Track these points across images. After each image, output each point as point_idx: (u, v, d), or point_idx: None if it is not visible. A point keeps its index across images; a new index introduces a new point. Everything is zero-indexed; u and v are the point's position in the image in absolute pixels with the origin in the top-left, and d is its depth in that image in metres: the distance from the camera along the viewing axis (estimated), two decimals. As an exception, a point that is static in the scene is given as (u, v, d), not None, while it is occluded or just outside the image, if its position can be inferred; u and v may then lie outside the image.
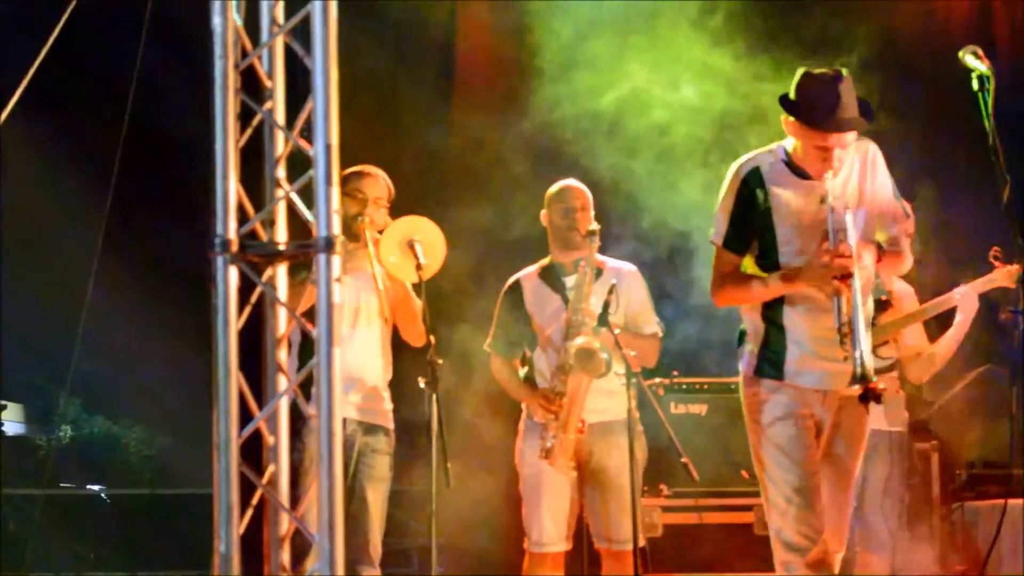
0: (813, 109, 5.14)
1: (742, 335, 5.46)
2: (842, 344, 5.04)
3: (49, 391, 9.99)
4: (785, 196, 5.24)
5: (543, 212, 6.69)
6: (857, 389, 4.99)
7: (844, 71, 5.16)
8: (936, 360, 6.82)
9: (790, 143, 5.28)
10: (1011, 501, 5.15)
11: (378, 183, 6.39)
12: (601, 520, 6.53)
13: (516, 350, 6.72)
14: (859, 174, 5.27)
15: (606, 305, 6.31)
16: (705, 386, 8.15)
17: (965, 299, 6.68)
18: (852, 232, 5.09)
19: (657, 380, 7.97)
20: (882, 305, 6.73)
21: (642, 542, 6.49)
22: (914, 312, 6.67)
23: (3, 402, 9.09)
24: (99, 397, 10.17)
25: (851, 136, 5.18)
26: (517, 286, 6.76)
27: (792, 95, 5.22)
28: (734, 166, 5.35)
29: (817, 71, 5.18)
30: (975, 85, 4.99)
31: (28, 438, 9.66)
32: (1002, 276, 6.77)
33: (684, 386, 8.12)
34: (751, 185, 5.28)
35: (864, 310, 5.11)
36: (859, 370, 4.96)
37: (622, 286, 6.58)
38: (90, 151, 8.46)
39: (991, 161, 4.90)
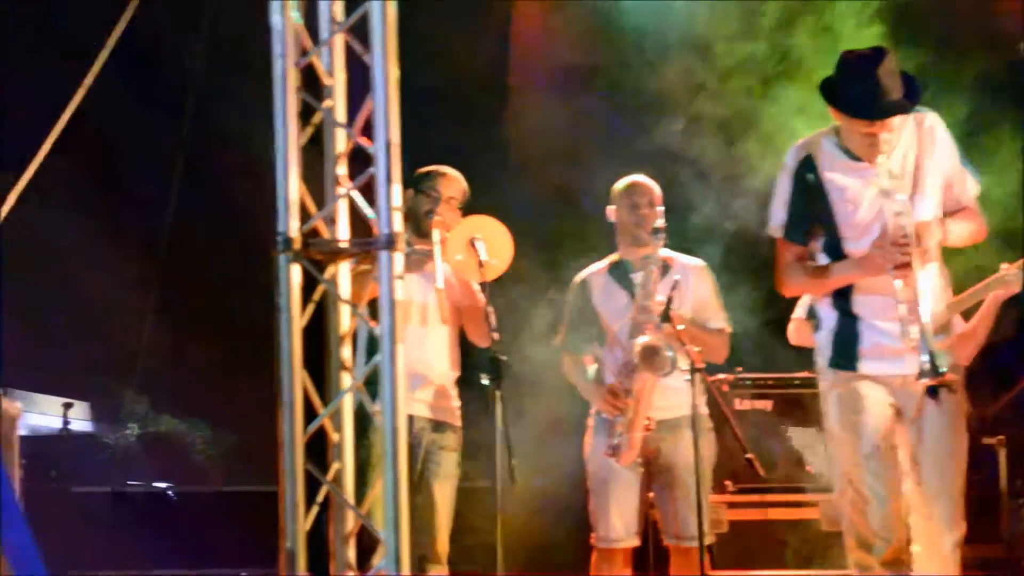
0: (852, 95, 5.05)
1: (816, 324, 5.39)
2: (905, 333, 4.96)
3: (117, 390, 10.07)
4: (840, 181, 5.17)
5: (610, 208, 6.67)
6: (926, 383, 4.91)
7: (885, 49, 5.06)
8: (979, 335, 6.73)
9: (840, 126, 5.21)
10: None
11: (453, 183, 6.41)
12: (669, 517, 6.51)
13: (586, 347, 6.70)
14: (917, 148, 5.16)
15: (668, 301, 6.28)
16: (770, 381, 8.11)
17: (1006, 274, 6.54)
18: (911, 215, 5.00)
19: (721, 376, 7.93)
20: None
21: (711, 539, 6.47)
22: (959, 299, 6.57)
23: (71, 400, 9.17)
24: (166, 395, 10.22)
25: (896, 119, 5.08)
26: (585, 283, 6.74)
27: (835, 80, 5.13)
28: (788, 154, 5.29)
29: (856, 52, 5.09)
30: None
31: (96, 436, 9.73)
32: None
33: (749, 381, 8.08)
34: (805, 172, 5.21)
35: (933, 294, 5.04)
36: (926, 364, 4.89)
37: (688, 281, 6.55)
38: (152, 151, 8.54)
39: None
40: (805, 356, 6.98)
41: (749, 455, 6.20)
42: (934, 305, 5.10)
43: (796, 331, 6.76)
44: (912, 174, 5.12)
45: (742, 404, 8.01)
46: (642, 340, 6.31)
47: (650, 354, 6.28)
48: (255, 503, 8.48)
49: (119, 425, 9.89)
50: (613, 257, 6.72)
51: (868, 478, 5.15)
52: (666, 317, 6.26)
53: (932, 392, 4.92)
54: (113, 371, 9.88)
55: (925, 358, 4.89)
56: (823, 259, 5.29)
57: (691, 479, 6.31)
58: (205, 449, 10.21)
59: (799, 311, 6.73)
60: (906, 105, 5.06)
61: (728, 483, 7.78)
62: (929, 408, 5.11)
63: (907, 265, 4.95)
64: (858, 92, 5.03)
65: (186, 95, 5.47)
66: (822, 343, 5.32)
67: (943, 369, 4.90)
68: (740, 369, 8.07)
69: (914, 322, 4.93)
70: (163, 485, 9.22)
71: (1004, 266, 6.50)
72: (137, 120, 9.27)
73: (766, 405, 8.05)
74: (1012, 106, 5.32)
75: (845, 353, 5.23)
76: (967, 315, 6.77)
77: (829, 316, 5.28)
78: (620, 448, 6.40)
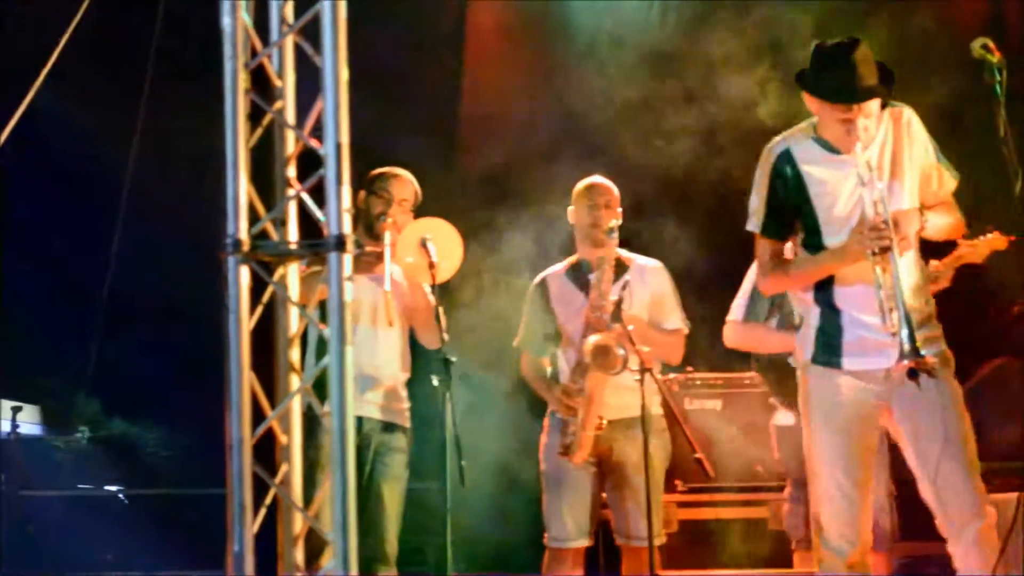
0: (828, 82, 5.07)
1: (798, 323, 5.39)
2: (885, 320, 4.94)
3: (67, 393, 10.01)
4: (819, 174, 5.16)
5: (570, 209, 6.69)
6: (906, 364, 4.87)
7: (859, 39, 5.10)
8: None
9: (817, 119, 5.22)
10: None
11: (405, 185, 6.42)
12: (621, 516, 6.53)
13: (544, 348, 6.71)
14: (894, 141, 5.16)
15: (619, 301, 6.31)
16: (720, 381, 8.14)
17: (941, 278, 6.58)
18: (888, 203, 5.00)
19: (672, 375, 7.96)
20: None
21: (663, 540, 6.49)
22: None
23: (20, 404, 9.12)
24: (117, 398, 10.17)
25: (873, 105, 5.08)
26: (544, 284, 6.76)
27: (809, 69, 5.15)
28: (765, 150, 5.28)
29: (830, 42, 5.11)
30: (987, 77, 4.95)
31: (46, 439, 9.68)
32: (969, 252, 6.68)
33: (699, 381, 8.12)
34: (783, 167, 5.20)
35: (912, 282, 5.05)
36: (906, 345, 4.86)
37: (645, 281, 6.58)
38: (102, 154, 8.50)
39: (1002, 152, 4.87)
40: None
41: (699, 455, 6.23)
42: (916, 296, 5.10)
43: (732, 333, 6.76)
44: (889, 166, 5.13)
45: (692, 404, 8.03)
46: (593, 339, 6.33)
47: (601, 353, 6.30)
48: (206, 505, 8.45)
49: (69, 428, 9.83)
50: (572, 259, 6.75)
51: (841, 477, 5.14)
52: (617, 317, 6.29)
53: (912, 374, 4.86)
54: (63, 374, 9.83)
55: (905, 339, 4.87)
56: (803, 254, 5.29)
57: (641, 478, 6.33)
58: (156, 451, 10.17)
59: (734, 313, 6.74)
60: (881, 90, 5.08)
61: (678, 483, 7.81)
62: (921, 398, 5.05)
63: (886, 250, 4.93)
64: (834, 78, 5.05)
65: (140, 93, 5.47)
66: (804, 339, 5.29)
67: (923, 352, 4.88)
68: (691, 369, 8.10)
69: (893, 308, 4.92)
70: (114, 488, 9.18)
71: (933, 263, 6.52)
72: (89, 119, 9.24)
73: (716, 404, 8.08)
74: (973, 104, 5.35)
75: (828, 348, 5.21)
76: None
77: (811, 312, 5.27)
78: (572, 447, 6.41)
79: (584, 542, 6.56)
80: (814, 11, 9.00)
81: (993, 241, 6.65)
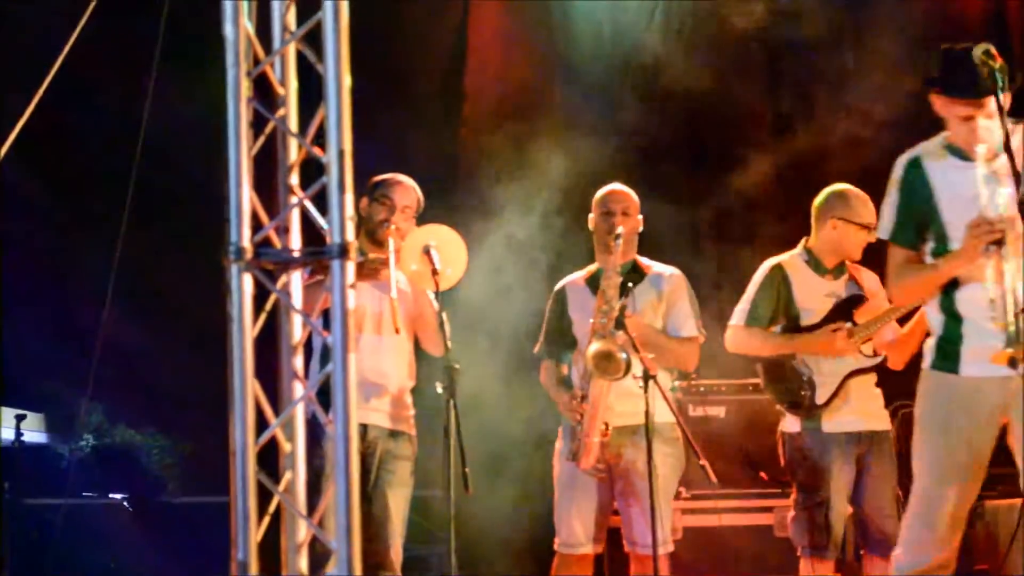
0: (953, 80, 5.08)
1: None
2: (996, 317, 4.91)
3: (71, 400, 10.01)
4: (948, 180, 5.16)
5: (590, 216, 6.70)
6: (1008, 352, 4.82)
7: (987, 44, 5.07)
8: (912, 342, 6.76)
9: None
10: (1026, 502, 5.12)
11: (408, 192, 6.41)
12: (629, 523, 6.53)
13: (563, 355, 6.72)
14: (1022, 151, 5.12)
15: (622, 308, 6.31)
16: (724, 388, 8.13)
17: None
18: (1002, 201, 4.97)
19: (676, 382, 7.95)
20: (858, 300, 6.69)
21: (671, 548, 6.49)
22: (895, 306, 6.62)
23: (24, 412, 9.12)
24: (121, 406, 10.18)
25: (995, 105, 5.07)
26: (563, 292, 6.78)
27: (934, 71, 5.17)
28: (898, 159, 5.29)
29: (958, 45, 5.13)
30: (989, 83, 4.96)
31: (50, 447, 9.68)
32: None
33: (703, 388, 8.11)
34: (912, 174, 5.22)
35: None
36: (1012, 332, 4.84)
37: (660, 288, 6.59)
38: (105, 158, 8.50)
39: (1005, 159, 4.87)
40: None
41: (703, 462, 6.23)
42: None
43: (733, 338, 6.78)
44: (1007, 169, 5.07)
45: (695, 411, 8.02)
46: (594, 346, 6.33)
47: (602, 359, 6.30)
48: (210, 514, 8.45)
49: (73, 436, 9.83)
50: (592, 267, 6.74)
51: (932, 485, 5.10)
52: (620, 323, 6.29)
53: (1013, 363, 4.81)
54: (67, 382, 9.84)
55: (1010, 328, 4.83)
56: (930, 261, 5.28)
57: (649, 486, 6.33)
58: (160, 460, 10.17)
59: (736, 318, 6.76)
60: (1008, 88, 5.08)
61: (682, 490, 7.80)
62: None
63: (999, 244, 4.91)
64: (957, 77, 5.07)
65: (143, 105, 5.48)
66: (928, 348, 5.28)
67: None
68: (695, 376, 8.09)
69: (1003, 300, 4.88)
70: (118, 496, 9.18)
71: None
72: (91, 129, 9.25)
73: (719, 412, 8.07)
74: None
75: (947, 355, 5.19)
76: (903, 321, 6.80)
77: (936, 320, 5.25)
78: (578, 453, 6.42)
79: (592, 548, 6.56)
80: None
81: None
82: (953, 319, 5.18)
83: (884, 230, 5.31)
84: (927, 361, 5.27)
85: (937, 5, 9.57)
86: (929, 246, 5.26)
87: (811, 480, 6.57)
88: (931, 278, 5.20)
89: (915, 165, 5.24)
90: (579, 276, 6.78)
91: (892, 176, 5.29)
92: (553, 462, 6.69)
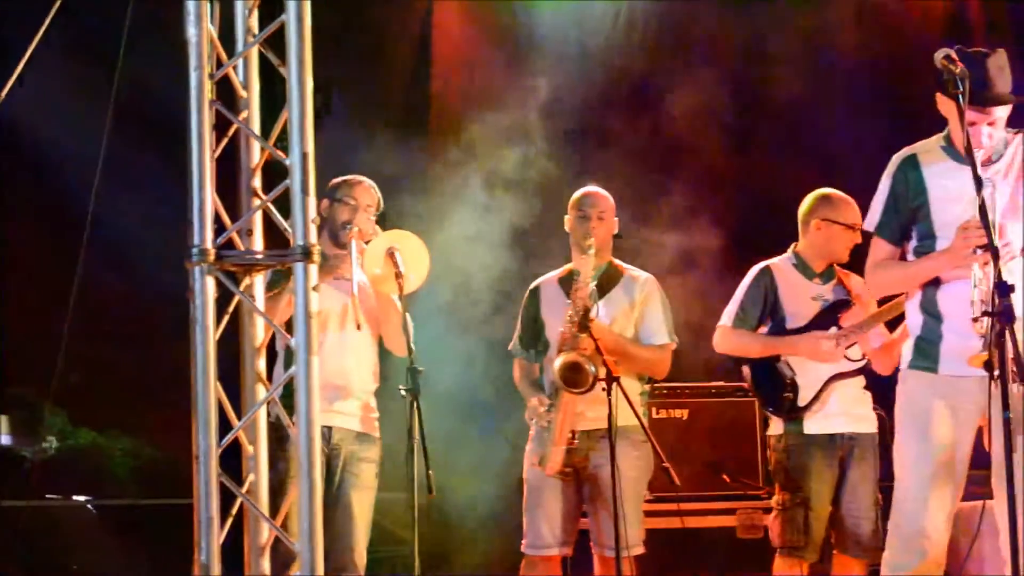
0: (962, 84, 5.02)
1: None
2: (976, 318, 4.87)
3: (35, 403, 9.98)
4: (942, 179, 5.16)
5: (566, 217, 6.70)
6: (983, 355, 4.78)
7: (999, 50, 5.10)
8: (899, 347, 6.79)
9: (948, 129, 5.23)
10: (991, 502, 5.12)
11: (368, 192, 6.41)
12: (595, 526, 6.53)
13: (534, 354, 6.72)
14: (1021, 160, 5.16)
15: (586, 311, 6.32)
16: (686, 391, 8.15)
17: None
18: (995, 207, 4.96)
19: (645, 387, 7.95)
20: (844, 305, 6.72)
21: (641, 550, 6.50)
22: (881, 311, 6.65)
23: (-13, 414, 9.09)
24: (84, 409, 10.15)
25: (1002, 112, 5.10)
26: (536, 291, 6.77)
27: (941, 80, 5.11)
28: (894, 156, 5.29)
29: (969, 50, 5.13)
30: (950, 88, 4.98)
31: (13, 450, 9.64)
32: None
33: (665, 391, 8.12)
34: (907, 171, 5.22)
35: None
36: (989, 338, 4.78)
37: (632, 293, 6.59)
38: (69, 162, 8.49)
39: (967, 163, 4.90)
40: (717, 364, 7.06)
41: (666, 464, 6.24)
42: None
43: (721, 338, 6.81)
44: (1013, 181, 5.13)
45: (659, 413, 8.04)
46: (560, 359, 6.33)
47: (568, 371, 6.31)
48: (174, 516, 8.44)
49: (37, 438, 9.80)
50: (568, 266, 6.74)
51: (916, 485, 5.12)
52: (585, 327, 6.29)
53: (987, 366, 4.76)
54: (30, 384, 9.81)
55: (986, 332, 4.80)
56: (912, 258, 5.29)
57: (619, 489, 6.34)
58: (124, 462, 10.15)
59: (725, 318, 6.79)
60: (1010, 98, 5.09)
61: (645, 492, 7.81)
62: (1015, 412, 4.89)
63: (986, 249, 4.88)
64: (968, 81, 5.02)
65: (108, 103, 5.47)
66: (906, 347, 5.29)
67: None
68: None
69: (984, 304, 4.84)
70: (82, 498, 9.15)
71: None
72: (58, 127, 9.23)
73: (682, 414, 8.09)
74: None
75: (926, 354, 5.19)
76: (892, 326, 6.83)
77: (915, 319, 5.26)
78: (544, 459, 6.42)
79: (559, 551, 6.55)
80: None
81: None
82: (933, 318, 5.19)
83: (870, 222, 5.32)
84: (905, 361, 5.28)
85: (900, 6, 9.62)
86: (912, 244, 5.27)
87: (792, 481, 6.60)
88: (915, 274, 5.21)
89: (910, 162, 5.25)
90: (553, 276, 6.78)
91: (886, 170, 5.29)
92: (524, 463, 6.68)
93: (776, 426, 6.74)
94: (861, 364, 6.69)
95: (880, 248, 5.33)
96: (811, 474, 6.57)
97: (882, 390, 6.45)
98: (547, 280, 6.77)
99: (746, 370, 6.85)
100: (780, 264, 6.83)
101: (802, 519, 6.55)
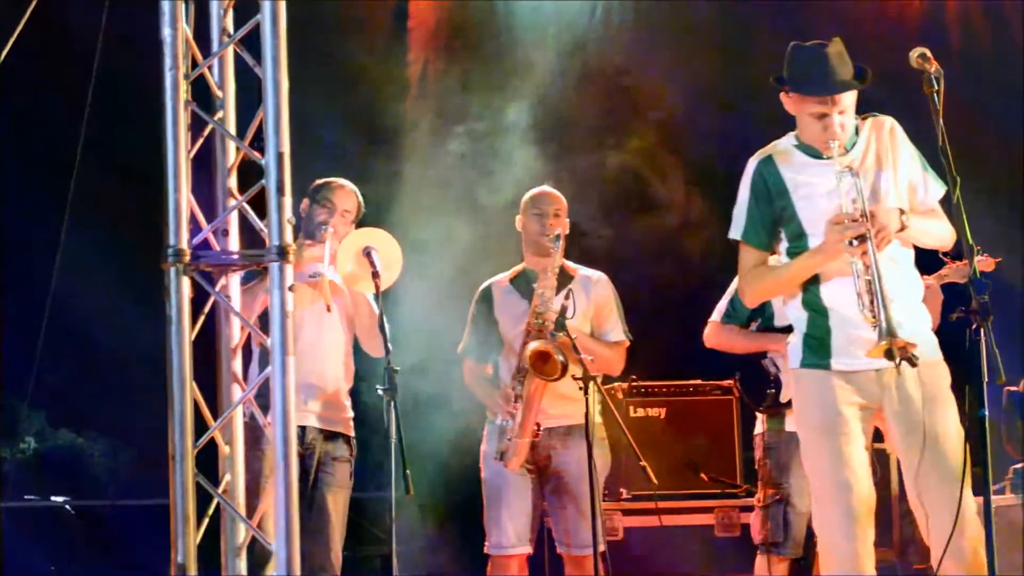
0: (803, 76, 5.07)
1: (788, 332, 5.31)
2: (864, 311, 4.87)
3: (13, 404, 9.95)
4: (801, 178, 5.13)
5: (518, 217, 6.71)
6: (882, 345, 4.80)
7: (835, 39, 5.09)
8: None
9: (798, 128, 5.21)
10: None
11: (349, 196, 6.41)
12: (561, 525, 6.54)
13: (487, 355, 6.72)
14: (877, 145, 5.13)
15: (563, 310, 6.34)
16: (664, 389, 8.16)
17: (928, 292, 6.61)
18: (866, 196, 4.96)
19: (616, 384, 7.97)
20: None
21: (603, 547, 6.51)
22: None
23: (-36, 415, 9.07)
24: (63, 410, 10.13)
25: (849, 99, 5.08)
26: (488, 292, 6.77)
27: (785, 69, 5.14)
28: (749, 161, 5.25)
29: (806, 43, 5.15)
30: (925, 87, 4.99)
31: (-9, 451, 9.63)
32: (953, 272, 6.83)
33: (643, 389, 8.13)
34: (765, 174, 5.17)
35: (897, 278, 4.98)
36: (884, 325, 4.80)
37: (588, 292, 6.60)
38: (47, 161, 8.47)
39: (942, 161, 4.90)
40: (695, 363, 7.08)
41: (643, 463, 6.25)
42: (912, 294, 5.09)
43: (710, 333, 6.84)
44: (873, 167, 5.10)
45: (636, 412, 8.05)
46: (533, 345, 6.36)
47: (540, 359, 6.33)
48: (152, 516, 8.43)
49: (15, 439, 9.78)
50: (518, 267, 6.76)
51: (832, 484, 5.02)
52: (561, 326, 6.31)
53: (888, 356, 4.79)
54: (8, 385, 9.78)
55: (882, 320, 4.81)
56: (786, 260, 5.24)
57: (581, 487, 6.36)
58: (102, 462, 10.13)
59: (715, 315, 6.83)
60: (855, 83, 5.08)
61: (623, 491, 7.83)
62: (908, 400, 4.98)
63: (863, 239, 4.88)
64: (809, 72, 5.06)
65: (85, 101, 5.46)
66: (794, 347, 5.21)
67: (899, 335, 4.81)
68: (635, 377, 8.12)
69: (871, 294, 4.86)
70: (60, 499, 9.14)
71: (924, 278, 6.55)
72: (31, 129, 9.21)
73: (660, 412, 8.10)
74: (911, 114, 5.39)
75: (817, 350, 5.12)
76: None
77: (799, 316, 5.19)
78: (508, 453, 6.42)
79: (526, 549, 6.56)
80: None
81: (980, 264, 6.74)
82: (819, 313, 5.11)
83: (737, 230, 5.24)
84: (795, 360, 5.19)
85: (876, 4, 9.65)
86: (783, 245, 5.23)
87: (773, 478, 6.63)
88: (791, 275, 5.15)
89: (767, 164, 5.20)
90: (504, 277, 6.79)
91: (744, 176, 5.25)
92: (480, 465, 6.68)
93: (760, 423, 6.78)
94: None
95: (749, 255, 5.25)
96: (792, 471, 6.59)
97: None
98: (497, 281, 6.78)
99: (738, 373, 6.88)
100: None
101: (782, 516, 6.58)
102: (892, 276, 5.01)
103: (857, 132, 5.17)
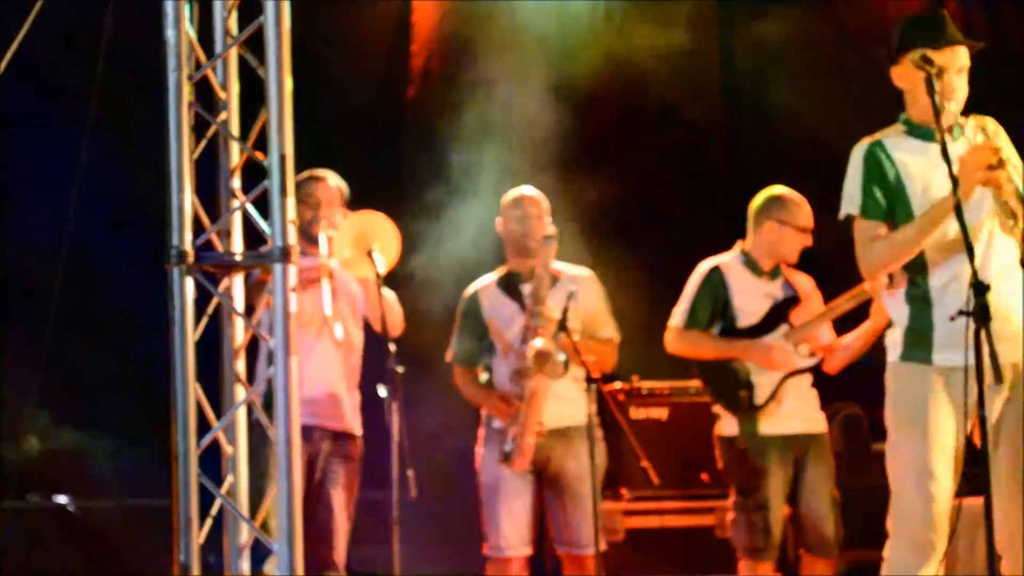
0: (916, 34, 5.00)
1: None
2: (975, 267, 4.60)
3: (17, 404, 9.96)
4: (911, 161, 5.02)
5: (499, 220, 6.72)
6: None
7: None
8: (853, 351, 6.77)
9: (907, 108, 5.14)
10: (966, 501, 5.10)
11: (329, 188, 6.40)
12: (561, 525, 6.55)
13: (477, 360, 6.73)
14: (984, 137, 5.03)
15: (565, 311, 6.34)
16: (666, 391, 8.17)
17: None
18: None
19: (618, 385, 7.98)
20: (793, 302, 6.73)
21: (603, 547, 6.52)
22: (829, 307, 6.66)
23: (-33, 415, 9.08)
24: (67, 408, 10.14)
25: (964, 58, 5.00)
26: (475, 297, 6.76)
27: (897, 40, 5.06)
28: (856, 146, 5.12)
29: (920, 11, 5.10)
30: (926, 88, 4.97)
31: (-6, 450, 9.63)
32: None
33: (645, 391, 8.13)
34: (877, 155, 5.05)
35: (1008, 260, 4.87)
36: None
37: (579, 291, 6.61)
38: (52, 160, 8.49)
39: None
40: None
41: (645, 464, 6.26)
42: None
43: (672, 339, 6.80)
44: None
45: (637, 413, 8.06)
46: (536, 344, 6.37)
47: (544, 358, 6.34)
48: (156, 516, 8.44)
49: (19, 439, 9.79)
50: (502, 270, 6.76)
51: (915, 484, 4.91)
52: (563, 327, 6.33)
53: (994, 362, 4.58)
54: (12, 384, 9.80)
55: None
56: None
57: (581, 487, 6.39)
58: (107, 462, 10.14)
59: (675, 319, 6.77)
60: (969, 42, 5.02)
61: (624, 491, 7.83)
62: (1012, 403, 4.86)
63: (997, 167, 4.77)
64: (934, 26, 5.01)
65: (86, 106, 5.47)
66: (893, 341, 5.08)
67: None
68: (636, 378, 8.12)
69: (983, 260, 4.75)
70: (63, 499, 9.15)
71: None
72: (37, 125, 9.22)
73: (662, 414, 8.10)
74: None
75: (918, 344, 4.99)
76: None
77: (900, 309, 5.06)
78: (512, 454, 6.44)
79: (526, 551, 6.57)
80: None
81: None
82: (922, 305, 5.01)
83: (853, 206, 5.07)
84: (895, 354, 5.06)
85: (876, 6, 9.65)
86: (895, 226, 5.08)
87: (749, 482, 6.61)
88: (913, 237, 4.96)
89: (878, 147, 5.09)
90: (489, 280, 6.78)
91: (852, 160, 5.13)
92: (476, 467, 6.68)
93: (728, 426, 6.70)
94: (815, 362, 6.70)
95: (867, 229, 5.05)
96: (768, 475, 6.57)
97: (862, 387, 6.48)
98: (484, 286, 6.77)
99: (696, 367, 6.84)
100: (729, 263, 6.80)
101: (762, 521, 6.57)
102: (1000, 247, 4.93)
103: (963, 128, 5.06)
